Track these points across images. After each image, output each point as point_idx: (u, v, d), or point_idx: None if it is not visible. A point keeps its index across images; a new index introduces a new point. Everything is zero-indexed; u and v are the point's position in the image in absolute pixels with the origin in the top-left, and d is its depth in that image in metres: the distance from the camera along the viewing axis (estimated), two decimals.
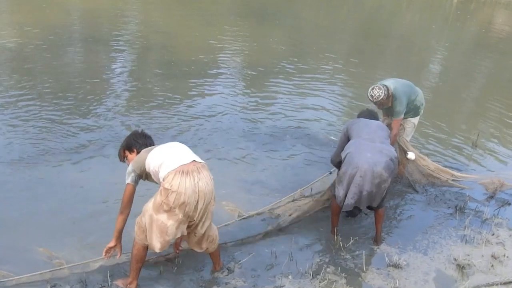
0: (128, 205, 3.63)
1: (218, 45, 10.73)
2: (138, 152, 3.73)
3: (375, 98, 5.06)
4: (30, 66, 8.35)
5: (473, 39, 15.81)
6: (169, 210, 3.35)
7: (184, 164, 3.38)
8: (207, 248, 3.79)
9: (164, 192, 3.34)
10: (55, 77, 7.89)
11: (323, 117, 7.39)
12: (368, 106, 5.50)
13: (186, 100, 7.49)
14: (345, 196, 4.31)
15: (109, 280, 3.70)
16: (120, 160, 3.94)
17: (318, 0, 18.50)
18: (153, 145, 3.82)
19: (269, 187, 5.38)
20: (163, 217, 3.38)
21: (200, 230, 3.60)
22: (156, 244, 3.45)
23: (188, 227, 3.56)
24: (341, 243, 4.49)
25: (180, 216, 3.38)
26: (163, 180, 3.37)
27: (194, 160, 3.45)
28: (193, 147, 5.75)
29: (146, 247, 3.56)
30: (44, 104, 6.83)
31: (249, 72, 9.27)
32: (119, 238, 3.73)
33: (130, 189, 3.62)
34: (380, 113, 5.48)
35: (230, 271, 4.03)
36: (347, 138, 4.55)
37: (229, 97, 7.82)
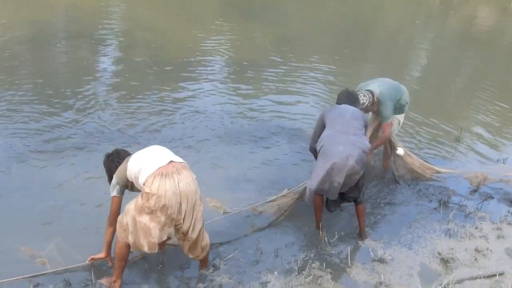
0: (116, 217, 3.59)
1: (202, 42, 10.64)
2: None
3: (360, 105, 4.98)
4: (13, 63, 8.19)
5: (457, 33, 15.93)
6: (151, 213, 3.33)
7: (163, 166, 3.35)
8: (198, 256, 3.80)
9: (145, 196, 3.32)
10: (39, 74, 7.76)
11: (309, 112, 7.38)
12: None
13: (170, 97, 7.41)
14: (320, 188, 4.37)
15: (93, 279, 3.67)
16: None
17: None
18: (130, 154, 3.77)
19: (254, 184, 5.35)
20: (145, 219, 3.36)
21: (192, 235, 3.56)
22: (143, 244, 3.42)
23: (179, 232, 3.54)
24: (326, 238, 4.50)
25: (163, 218, 3.35)
26: (143, 185, 3.35)
27: (172, 161, 3.42)
28: (177, 144, 5.86)
29: (128, 246, 3.52)
30: (26, 101, 6.71)
31: (233, 69, 9.22)
32: (109, 250, 3.74)
33: (117, 201, 3.62)
34: None
35: (216, 268, 4.02)
36: (323, 125, 4.59)
37: (214, 94, 7.75)
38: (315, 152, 4.65)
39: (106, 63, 8.78)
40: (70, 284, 3.64)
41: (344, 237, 4.59)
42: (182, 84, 8.00)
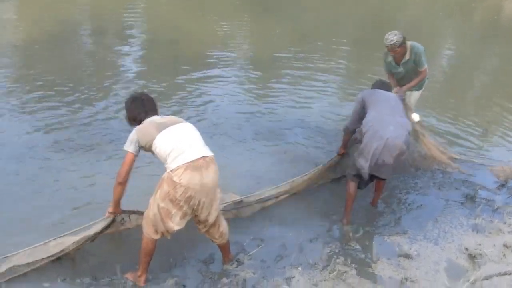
0: (128, 176, 3.49)
1: (223, 38, 10.59)
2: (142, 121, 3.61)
3: (389, 41, 5.25)
4: (39, 59, 8.32)
5: (482, 28, 15.58)
6: (175, 201, 3.38)
7: (195, 159, 3.38)
8: (217, 240, 3.80)
9: (171, 184, 3.35)
10: (63, 71, 7.83)
11: (330, 109, 7.28)
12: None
13: (191, 94, 7.40)
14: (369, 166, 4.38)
15: (118, 273, 3.70)
16: (129, 125, 3.76)
17: None
18: (156, 109, 3.70)
19: (269, 179, 5.26)
20: (168, 205, 3.41)
21: (208, 222, 3.61)
22: (167, 227, 3.48)
23: (196, 218, 3.59)
24: (351, 233, 4.46)
25: (185, 208, 3.42)
26: (172, 171, 3.36)
27: (204, 156, 3.43)
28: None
29: (154, 241, 3.56)
30: (51, 97, 6.80)
31: (252, 65, 9.12)
32: (118, 206, 3.70)
33: (131, 158, 3.48)
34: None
35: (240, 262, 4.01)
36: (362, 108, 4.64)
37: (238, 92, 7.71)
38: (353, 133, 4.82)
39: (128, 60, 8.80)
40: (96, 278, 3.67)
41: (369, 231, 4.55)
42: (203, 81, 7.98)
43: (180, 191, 3.34)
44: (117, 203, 3.68)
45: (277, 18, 12.83)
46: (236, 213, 4.54)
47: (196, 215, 3.56)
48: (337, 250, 4.27)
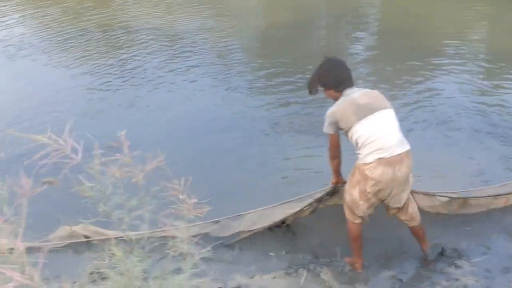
0: (339, 151, 3.61)
1: (459, 28, 9.85)
2: (337, 91, 3.46)
3: None
4: (275, 44, 9.10)
5: None
6: (363, 192, 3.41)
7: (391, 156, 3.30)
8: (408, 221, 3.73)
9: (363, 175, 3.37)
10: (295, 56, 8.36)
11: None
12: None
13: (414, 80, 7.22)
14: None
15: (338, 255, 3.85)
16: (310, 93, 3.63)
17: None
18: (351, 79, 3.50)
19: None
20: (356, 194, 3.46)
21: (399, 207, 3.59)
22: (357, 212, 3.55)
23: (385, 203, 3.59)
24: None
25: (373, 200, 3.45)
26: (365, 164, 3.34)
27: (400, 153, 3.33)
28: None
29: (357, 226, 3.61)
30: (279, 78, 7.35)
31: (492, 64, 8.18)
32: (337, 176, 3.83)
33: (335, 138, 3.53)
34: None
35: (458, 267, 3.83)
36: None
37: (465, 82, 7.24)
38: None
39: (357, 49, 8.93)
40: (317, 257, 3.89)
41: None
42: (431, 70, 7.66)
43: (371, 184, 3.35)
44: (337, 173, 3.81)
45: None
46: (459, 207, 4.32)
47: (384, 201, 3.55)
48: None
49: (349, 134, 3.41)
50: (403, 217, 3.71)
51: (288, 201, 4.05)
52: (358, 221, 3.61)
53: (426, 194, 4.20)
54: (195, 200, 2.35)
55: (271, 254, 3.96)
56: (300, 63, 7.84)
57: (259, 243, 4.06)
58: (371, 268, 3.81)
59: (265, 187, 4.86)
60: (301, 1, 11.94)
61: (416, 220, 3.74)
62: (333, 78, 3.44)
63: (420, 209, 3.89)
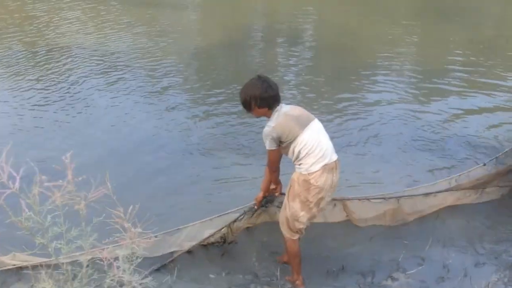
0: (278, 167, 3.61)
1: (391, 45, 10.26)
2: (270, 109, 3.44)
3: None
4: (208, 65, 9.07)
5: None
6: (305, 202, 3.45)
7: (332, 162, 3.42)
8: None
9: (305, 185, 3.41)
10: (227, 75, 8.48)
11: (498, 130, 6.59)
12: None
13: (352, 103, 7.37)
14: None
15: (278, 274, 3.84)
16: (247, 111, 3.55)
17: None
18: (279, 96, 3.48)
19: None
20: (296, 206, 3.48)
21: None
22: (298, 226, 3.56)
23: None
24: None
25: (314, 210, 3.50)
26: (309, 174, 3.38)
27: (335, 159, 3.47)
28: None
29: (296, 241, 3.62)
30: (222, 100, 7.35)
31: (419, 76, 8.62)
32: (266, 191, 3.85)
33: (277, 153, 3.48)
34: None
35: (395, 279, 3.92)
36: None
37: (397, 102, 7.49)
38: None
39: (296, 67, 9.10)
40: (258, 276, 3.87)
41: None
42: (364, 90, 7.88)
43: (314, 192, 3.41)
44: (276, 181, 3.80)
45: (454, 26, 11.93)
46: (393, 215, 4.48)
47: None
48: (506, 280, 3.94)
49: (292, 146, 3.38)
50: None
51: (224, 213, 4.02)
52: (296, 237, 3.61)
53: (360, 199, 4.31)
54: (139, 230, 2.29)
55: (211, 276, 3.90)
56: (235, 81, 7.89)
57: (198, 264, 3.99)
58: (311, 284, 3.83)
59: (199, 207, 4.79)
60: (236, 19, 12.10)
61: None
62: (271, 98, 3.43)
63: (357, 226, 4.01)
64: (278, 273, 3.84)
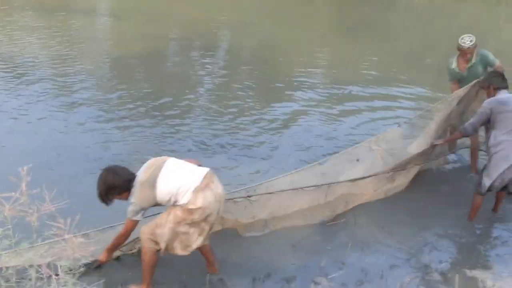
0: (127, 238, 3.78)
1: (306, 60, 10.70)
2: (127, 190, 3.62)
3: (468, 43, 5.44)
4: (129, 74, 8.93)
5: None
6: (193, 223, 3.53)
7: (201, 183, 3.51)
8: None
9: (187, 211, 3.49)
10: (148, 85, 8.48)
11: None
12: None
13: (267, 112, 7.70)
14: (490, 184, 4.75)
15: (207, 284, 3.88)
16: (105, 203, 3.70)
17: (421, 10, 17.95)
18: (131, 174, 3.68)
19: None
20: (185, 228, 3.56)
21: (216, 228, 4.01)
22: (181, 252, 3.66)
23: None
24: (432, 264, 4.43)
25: (206, 227, 3.60)
26: (183, 205, 3.49)
27: (204, 175, 3.57)
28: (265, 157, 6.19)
29: (156, 252, 3.65)
30: (136, 109, 7.36)
31: (333, 89, 9.10)
32: (109, 255, 3.92)
33: (133, 225, 3.65)
34: None
35: (317, 283, 4.10)
36: (488, 118, 4.77)
37: (309, 111, 7.91)
38: (461, 136, 5.30)
39: (214, 77, 9.25)
40: (186, 286, 3.88)
41: (453, 264, 4.49)
42: (282, 101, 8.25)
43: (198, 214, 3.50)
44: (110, 252, 3.89)
45: (369, 39, 12.48)
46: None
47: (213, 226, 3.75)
48: (418, 280, 4.25)
49: (160, 201, 3.58)
50: (207, 241, 3.84)
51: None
52: (159, 247, 3.61)
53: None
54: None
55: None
56: (153, 91, 7.93)
57: (121, 276, 3.93)
58: None
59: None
60: (153, 30, 12.10)
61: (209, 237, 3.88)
62: (126, 182, 3.60)
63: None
64: (208, 283, 3.89)
